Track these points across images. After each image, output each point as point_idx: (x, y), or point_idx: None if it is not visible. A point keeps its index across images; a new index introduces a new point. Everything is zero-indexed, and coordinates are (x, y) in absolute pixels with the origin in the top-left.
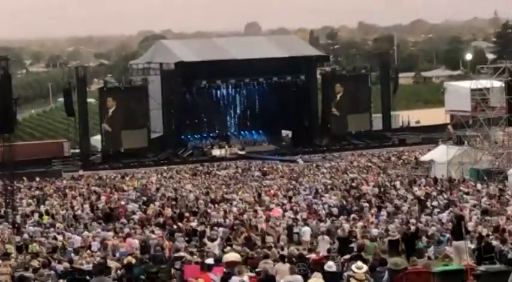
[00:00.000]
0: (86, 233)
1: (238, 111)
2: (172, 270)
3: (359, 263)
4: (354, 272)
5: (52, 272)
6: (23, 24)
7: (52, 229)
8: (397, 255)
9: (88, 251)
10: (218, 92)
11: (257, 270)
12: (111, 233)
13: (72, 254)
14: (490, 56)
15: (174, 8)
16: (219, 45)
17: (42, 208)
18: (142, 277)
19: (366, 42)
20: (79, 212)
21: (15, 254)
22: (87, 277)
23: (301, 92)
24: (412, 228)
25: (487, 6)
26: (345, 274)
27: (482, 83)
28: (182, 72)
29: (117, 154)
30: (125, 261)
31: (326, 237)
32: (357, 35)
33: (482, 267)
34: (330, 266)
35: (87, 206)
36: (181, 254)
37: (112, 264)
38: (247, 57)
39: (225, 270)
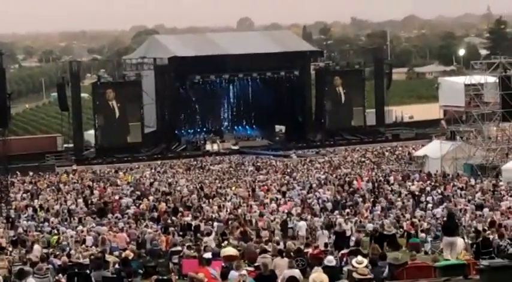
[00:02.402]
0: (80, 227)
1: (231, 106)
2: (171, 265)
3: (359, 257)
4: (354, 266)
5: (50, 266)
6: (15, 19)
7: (46, 223)
8: (395, 249)
9: (83, 246)
10: (212, 87)
11: (255, 264)
12: (105, 228)
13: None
14: (483, 52)
15: (167, 3)
16: (213, 40)
17: (36, 202)
18: (141, 271)
19: (359, 37)
20: (73, 206)
21: (11, 249)
22: (87, 271)
23: (294, 87)
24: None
25: (479, 2)
26: (345, 269)
27: (476, 78)
28: (176, 67)
29: (110, 149)
30: (123, 256)
31: (325, 232)
32: (349, 31)
33: (485, 262)
34: (330, 260)
35: (81, 201)
36: (179, 248)
37: (110, 258)
38: (241, 52)
39: (223, 264)
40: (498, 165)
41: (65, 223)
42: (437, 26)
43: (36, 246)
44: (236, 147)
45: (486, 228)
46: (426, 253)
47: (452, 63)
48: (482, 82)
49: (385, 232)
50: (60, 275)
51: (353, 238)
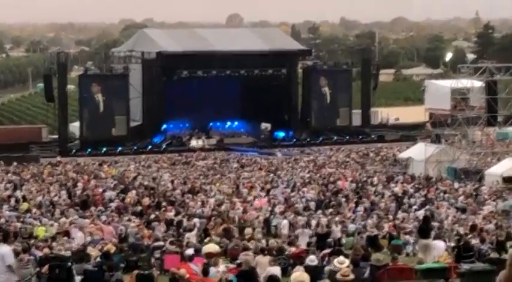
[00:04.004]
0: (63, 219)
1: (218, 102)
2: (152, 260)
3: (341, 258)
4: (336, 266)
5: (32, 257)
6: (3, 9)
7: (28, 215)
8: (377, 250)
9: (65, 238)
10: (199, 83)
11: (237, 261)
12: (87, 220)
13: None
14: (470, 56)
15: None
16: (202, 36)
17: (19, 193)
18: (122, 265)
19: (348, 37)
20: (56, 198)
21: None
22: (69, 264)
23: (282, 85)
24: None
25: (468, 6)
26: (326, 268)
27: (463, 82)
28: (163, 61)
29: (95, 141)
30: (104, 249)
31: (306, 231)
32: (338, 31)
33: (466, 266)
34: (312, 259)
35: (64, 193)
36: (161, 243)
37: (92, 251)
38: (230, 49)
39: (205, 261)
40: (482, 169)
41: (48, 215)
42: (426, 29)
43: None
44: (214, 141)
45: (468, 232)
46: (408, 255)
47: (439, 66)
48: (469, 86)
49: (367, 233)
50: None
51: (331, 239)
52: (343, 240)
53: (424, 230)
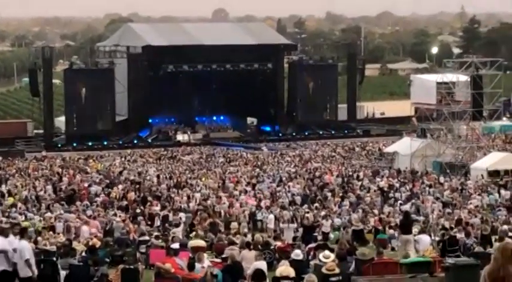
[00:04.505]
0: (48, 214)
1: (204, 97)
2: (138, 254)
3: (326, 252)
4: (321, 261)
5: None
6: None
7: (14, 209)
8: (363, 245)
9: (51, 232)
10: (185, 77)
11: (223, 256)
12: (73, 215)
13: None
14: (456, 51)
15: None
16: (187, 30)
17: (4, 188)
18: (107, 260)
19: (333, 32)
20: (41, 192)
21: None
22: (54, 258)
23: (268, 80)
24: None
25: (454, 1)
26: (311, 263)
27: (448, 76)
28: (149, 56)
29: (81, 136)
30: (90, 244)
31: (291, 225)
32: (324, 25)
33: (450, 260)
34: (297, 254)
35: (49, 187)
36: (146, 237)
37: (77, 246)
38: (215, 43)
39: (190, 255)
40: (467, 163)
41: (33, 209)
42: (411, 23)
43: None
44: (200, 136)
45: (453, 226)
46: (393, 249)
47: (425, 61)
48: (454, 81)
49: (353, 227)
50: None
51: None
52: (330, 235)
53: (404, 225)
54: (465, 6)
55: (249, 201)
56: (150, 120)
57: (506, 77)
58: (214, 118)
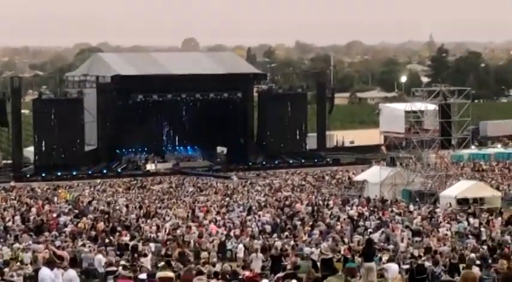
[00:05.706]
0: (16, 244)
1: (174, 126)
2: None
3: (294, 281)
4: None
5: None
6: None
7: None
8: (332, 274)
9: (18, 263)
10: (154, 107)
11: None
12: (42, 246)
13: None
14: (425, 79)
15: (111, 21)
16: (157, 59)
17: None
18: None
19: (303, 61)
20: (10, 223)
21: None
22: None
23: (237, 109)
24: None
25: (422, 30)
26: None
27: (417, 105)
28: (118, 85)
29: (50, 166)
30: None
31: (260, 255)
32: (293, 54)
33: None
34: None
35: (18, 218)
36: (114, 268)
37: None
38: (185, 72)
39: None
40: (436, 192)
41: (1, 240)
42: (380, 52)
43: None
44: (169, 165)
45: (422, 254)
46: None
47: (394, 90)
48: (423, 109)
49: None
50: None
51: (286, 263)
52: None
53: (367, 253)
54: (433, 35)
55: (214, 230)
56: (119, 150)
57: (474, 106)
58: (184, 147)
